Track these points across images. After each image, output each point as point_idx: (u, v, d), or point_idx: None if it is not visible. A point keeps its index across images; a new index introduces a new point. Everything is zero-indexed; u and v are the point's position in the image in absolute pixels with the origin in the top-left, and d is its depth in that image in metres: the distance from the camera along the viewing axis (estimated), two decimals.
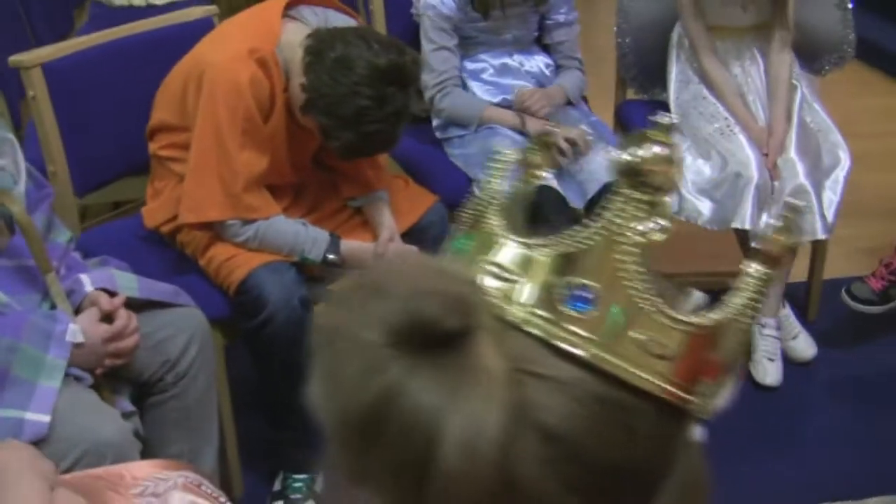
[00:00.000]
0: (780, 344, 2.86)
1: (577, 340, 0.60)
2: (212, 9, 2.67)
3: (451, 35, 2.80)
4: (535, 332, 0.60)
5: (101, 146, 2.44)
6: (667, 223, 0.62)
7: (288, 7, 2.27)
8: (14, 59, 2.28)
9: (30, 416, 1.71)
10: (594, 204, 2.66)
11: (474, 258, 0.65)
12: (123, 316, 1.89)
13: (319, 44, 2.11)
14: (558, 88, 2.90)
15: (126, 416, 1.90)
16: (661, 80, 3.09)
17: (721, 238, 2.95)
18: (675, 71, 3.02)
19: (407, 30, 2.89)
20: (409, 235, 2.42)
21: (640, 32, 3.15)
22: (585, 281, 0.61)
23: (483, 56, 2.88)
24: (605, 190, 2.63)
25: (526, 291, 0.62)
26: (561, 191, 2.64)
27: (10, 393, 1.72)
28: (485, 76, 2.88)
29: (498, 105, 2.84)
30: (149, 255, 2.36)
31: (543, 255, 0.63)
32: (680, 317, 0.63)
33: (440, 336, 0.55)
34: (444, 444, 0.53)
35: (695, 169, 2.82)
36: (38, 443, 1.68)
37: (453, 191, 2.60)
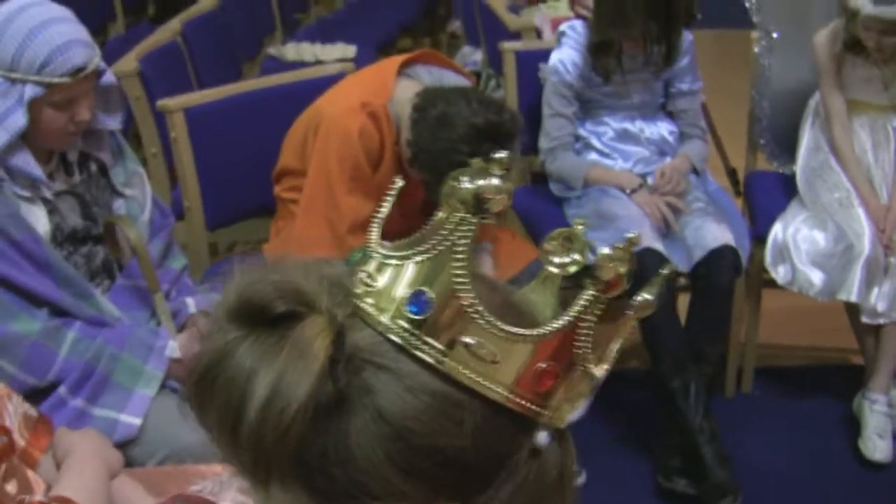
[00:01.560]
0: (890, 422, 2.78)
1: (427, 349, 0.70)
2: (348, 65, 2.87)
3: (571, 102, 2.88)
4: (392, 336, 0.70)
5: (233, 186, 2.67)
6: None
7: (405, 65, 2.44)
8: (161, 103, 2.54)
9: (124, 417, 1.90)
10: (699, 268, 2.68)
11: (357, 268, 0.77)
12: None
13: (424, 102, 2.26)
14: (684, 159, 2.93)
15: None
16: (791, 149, 3.08)
17: (839, 312, 2.92)
18: (807, 137, 3.01)
19: (537, 91, 2.99)
20: None
21: (778, 98, 3.16)
22: (424, 289, 0.71)
23: (606, 118, 2.94)
24: (712, 256, 2.67)
25: (385, 297, 0.72)
26: (666, 254, 2.67)
27: (109, 396, 1.92)
28: (605, 139, 2.94)
29: (639, 176, 2.89)
30: None
31: (408, 266, 0.73)
32: (506, 327, 0.71)
33: (269, 316, 0.68)
34: (251, 400, 0.65)
35: (810, 239, 2.80)
36: (128, 443, 1.88)
37: None
